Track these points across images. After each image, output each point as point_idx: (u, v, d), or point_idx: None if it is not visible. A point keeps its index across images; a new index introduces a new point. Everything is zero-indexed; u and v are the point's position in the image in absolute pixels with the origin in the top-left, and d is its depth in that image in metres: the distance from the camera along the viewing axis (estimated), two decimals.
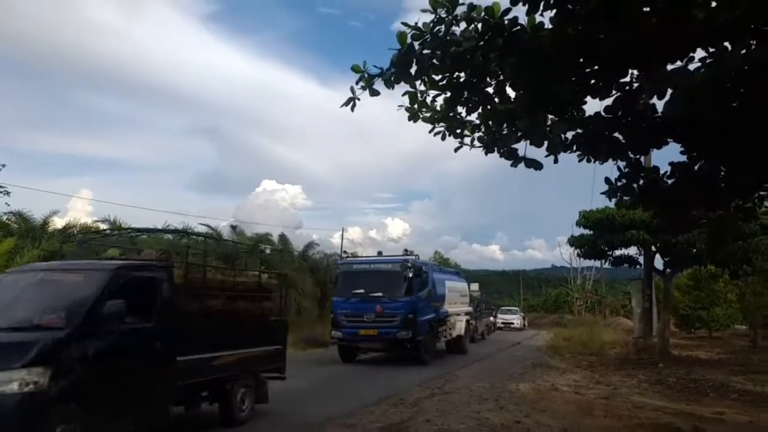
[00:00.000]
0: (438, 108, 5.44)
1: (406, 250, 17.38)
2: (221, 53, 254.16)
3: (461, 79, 4.96)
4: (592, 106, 4.99)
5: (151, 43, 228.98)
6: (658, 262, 18.80)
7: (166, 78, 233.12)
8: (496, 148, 5.59)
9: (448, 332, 18.37)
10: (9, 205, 19.67)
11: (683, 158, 5.71)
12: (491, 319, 36.52)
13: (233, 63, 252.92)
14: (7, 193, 18.92)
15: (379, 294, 15.49)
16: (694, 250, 16.96)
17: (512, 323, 43.27)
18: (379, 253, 18.29)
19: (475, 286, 29.96)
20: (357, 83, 4.87)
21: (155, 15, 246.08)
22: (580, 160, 5.64)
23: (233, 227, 27.79)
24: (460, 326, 19.50)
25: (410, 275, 15.73)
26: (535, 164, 5.41)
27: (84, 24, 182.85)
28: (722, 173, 5.82)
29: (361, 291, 15.72)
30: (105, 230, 11.65)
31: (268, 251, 26.56)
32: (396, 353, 16.44)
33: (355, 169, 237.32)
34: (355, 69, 4.81)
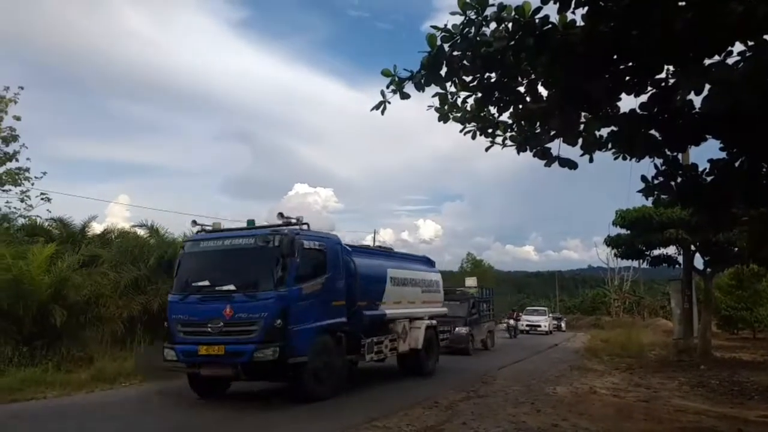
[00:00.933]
0: (468, 108, 5.42)
1: (281, 215, 10.53)
2: (252, 58, 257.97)
3: (492, 80, 4.93)
4: (627, 103, 4.91)
5: (183, 49, 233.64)
6: (698, 262, 18.44)
7: (199, 83, 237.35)
8: (528, 148, 5.54)
9: (389, 345, 12.69)
10: (50, 212, 20.30)
11: (723, 155, 5.59)
12: (510, 322, 33.22)
13: (264, 68, 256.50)
14: (48, 200, 19.55)
15: (231, 287, 9.71)
16: (736, 249, 16.56)
17: (539, 325, 37.60)
18: (250, 223, 11.18)
19: (471, 281, 26.46)
20: (387, 87, 4.88)
21: (187, 21, 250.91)
22: (615, 158, 5.56)
23: None
24: (416, 336, 13.54)
25: (282, 256, 9.66)
26: (569, 163, 5.34)
27: (117, 31, 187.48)
28: (764, 169, 5.67)
29: (206, 283, 10.00)
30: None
31: None
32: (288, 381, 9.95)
33: (385, 171, 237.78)
34: (385, 73, 4.82)
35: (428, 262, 16.35)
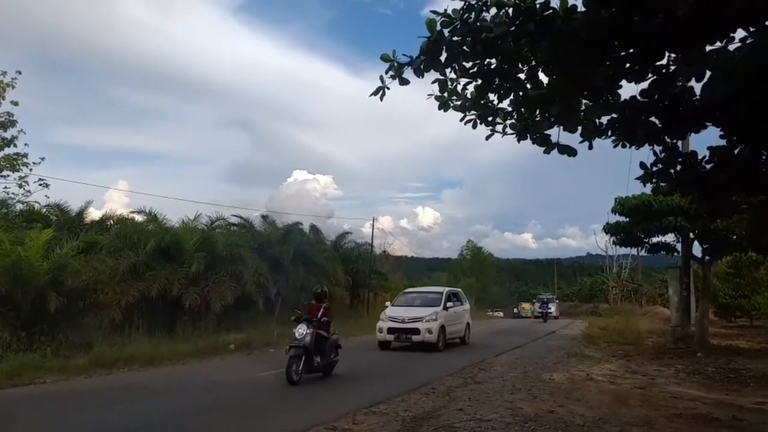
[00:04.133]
0: (468, 96, 5.38)
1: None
2: (252, 45, 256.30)
3: (492, 66, 4.89)
4: (628, 90, 4.88)
5: (184, 36, 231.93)
6: (696, 250, 18.42)
7: (199, 71, 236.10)
8: (528, 135, 5.50)
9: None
10: (48, 198, 20.27)
11: (722, 142, 5.56)
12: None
13: (264, 54, 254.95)
14: (47, 186, 19.50)
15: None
16: (734, 237, 16.54)
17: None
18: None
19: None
20: (386, 72, 4.83)
21: (187, 8, 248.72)
22: (615, 146, 5.53)
23: (264, 217, 28.06)
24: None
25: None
26: (568, 150, 5.31)
27: (118, 19, 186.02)
28: (764, 157, 5.65)
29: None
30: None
31: None
32: None
33: (385, 158, 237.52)
34: (384, 58, 4.78)
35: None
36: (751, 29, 4.05)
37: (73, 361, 12.73)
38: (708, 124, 5.19)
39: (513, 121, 5.57)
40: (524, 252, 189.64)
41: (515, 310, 57.01)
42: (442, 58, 4.73)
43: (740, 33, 4.14)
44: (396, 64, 4.77)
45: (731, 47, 4.12)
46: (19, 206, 19.88)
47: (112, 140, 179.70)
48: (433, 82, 5.24)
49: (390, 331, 16.71)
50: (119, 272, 17.22)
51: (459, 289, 21.70)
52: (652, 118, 5.11)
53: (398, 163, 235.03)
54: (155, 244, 18.81)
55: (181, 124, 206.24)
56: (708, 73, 4.17)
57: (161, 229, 20.75)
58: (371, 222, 39.13)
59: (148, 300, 17.68)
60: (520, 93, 5.14)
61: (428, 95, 5.39)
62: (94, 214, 22.28)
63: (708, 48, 4.22)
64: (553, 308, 47.03)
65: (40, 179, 19.44)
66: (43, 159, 19.65)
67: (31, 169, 19.41)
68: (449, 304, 18.06)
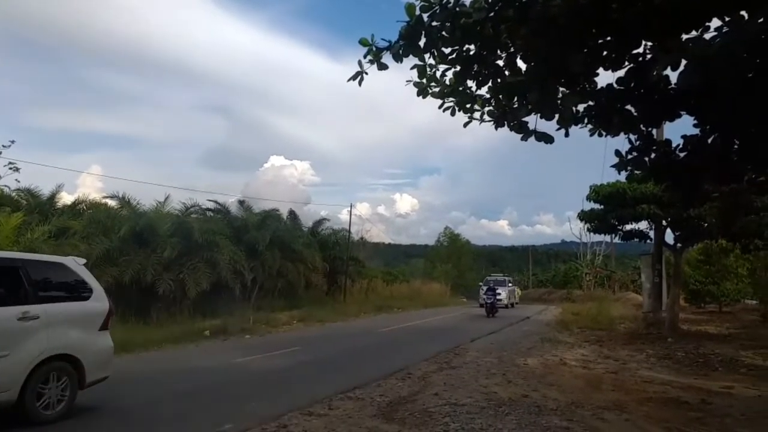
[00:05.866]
0: (447, 82, 5.36)
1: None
2: (231, 28, 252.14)
3: (471, 52, 4.87)
4: (604, 78, 4.91)
5: (160, 18, 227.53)
6: (669, 237, 18.72)
7: (176, 54, 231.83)
8: (506, 122, 5.50)
9: None
10: (19, 182, 19.80)
11: (696, 131, 5.63)
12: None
13: (243, 38, 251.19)
14: (17, 170, 19.02)
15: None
16: (706, 225, 16.83)
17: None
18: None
19: None
20: (365, 57, 4.78)
21: None
22: (591, 134, 5.57)
23: (241, 202, 27.79)
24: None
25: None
26: (545, 137, 5.33)
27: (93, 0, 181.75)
28: (735, 146, 5.73)
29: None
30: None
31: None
32: None
33: (364, 145, 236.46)
34: (363, 42, 4.72)
35: None
36: (726, 19, 4.08)
37: None
38: (682, 112, 5.25)
39: (491, 108, 5.57)
40: (500, 239, 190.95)
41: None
42: (421, 43, 4.69)
43: (716, 22, 4.18)
44: (374, 49, 4.71)
45: (706, 36, 4.16)
46: None
47: (85, 123, 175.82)
48: (412, 68, 5.20)
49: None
50: (92, 258, 16.94)
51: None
52: (628, 106, 5.16)
53: (377, 150, 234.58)
54: (129, 229, 18.55)
55: (157, 108, 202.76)
56: (683, 62, 4.20)
57: (135, 214, 20.46)
58: (349, 208, 39.05)
59: (121, 286, 17.45)
60: (499, 80, 5.14)
61: (407, 81, 5.36)
62: (66, 198, 21.89)
63: (684, 37, 4.26)
64: (504, 294, 34.52)
65: (10, 163, 18.95)
66: (13, 142, 19.13)
67: (0, 153, 18.94)
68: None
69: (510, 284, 39.65)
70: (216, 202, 26.42)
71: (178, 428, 6.82)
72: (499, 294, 32.49)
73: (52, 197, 20.59)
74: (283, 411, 7.19)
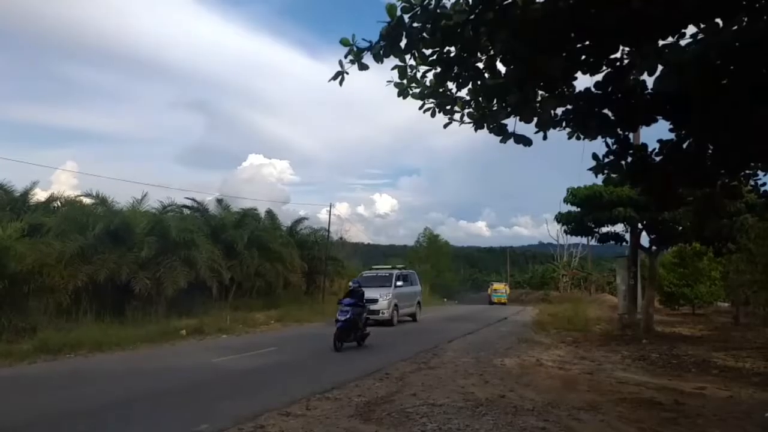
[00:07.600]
0: (427, 84, 5.37)
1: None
2: (210, 25, 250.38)
3: (451, 54, 4.88)
4: (583, 82, 4.95)
5: (141, 13, 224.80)
6: (644, 240, 18.95)
7: (155, 50, 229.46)
8: (485, 124, 5.53)
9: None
10: None
11: (672, 136, 5.71)
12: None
13: (223, 36, 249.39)
14: None
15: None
16: (680, 228, 17.07)
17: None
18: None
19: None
20: (345, 57, 4.77)
21: None
22: (569, 137, 5.62)
23: (219, 201, 27.57)
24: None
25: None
26: (524, 140, 5.36)
27: None
28: (709, 151, 5.83)
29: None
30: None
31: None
32: None
33: (344, 144, 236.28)
34: (343, 42, 4.71)
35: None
36: (702, 26, 4.15)
37: (16, 346, 12.32)
38: (659, 117, 5.32)
39: (471, 110, 5.59)
40: (478, 240, 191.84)
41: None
42: (402, 44, 4.69)
43: (692, 29, 4.25)
44: (355, 49, 4.70)
45: (682, 42, 4.22)
46: None
47: (60, 119, 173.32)
48: (393, 69, 5.19)
49: None
50: (66, 255, 16.67)
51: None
52: (606, 110, 5.21)
53: (356, 150, 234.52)
54: (104, 227, 18.29)
55: (134, 104, 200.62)
56: (660, 68, 4.26)
57: (110, 212, 20.18)
58: (328, 208, 38.97)
59: (96, 284, 17.20)
60: (478, 82, 5.16)
61: (388, 82, 5.35)
62: (40, 195, 21.53)
63: (661, 43, 4.32)
64: (383, 302, 21.29)
65: None
66: None
67: None
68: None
69: (404, 282, 23.89)
70: (194, 200, 26.25)
71: (150, 429, 6.73)
72: (378, 299, 21.04)
73: (26, 194, 20.25)
74: (259, 411, 7.15)
